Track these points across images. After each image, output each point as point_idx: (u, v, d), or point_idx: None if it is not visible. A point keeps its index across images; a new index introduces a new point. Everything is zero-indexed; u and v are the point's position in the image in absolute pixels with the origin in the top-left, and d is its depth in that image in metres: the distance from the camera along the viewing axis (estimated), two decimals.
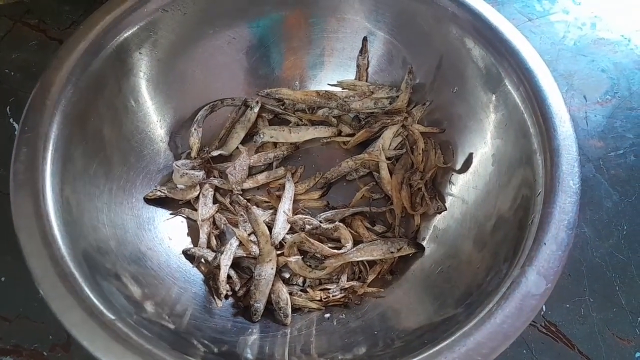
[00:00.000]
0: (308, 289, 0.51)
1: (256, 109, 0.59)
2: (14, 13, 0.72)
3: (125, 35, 0.49)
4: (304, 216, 0.53)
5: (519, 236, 0.41)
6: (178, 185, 0.54)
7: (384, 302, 0.50)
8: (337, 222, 0.52)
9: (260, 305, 0.48)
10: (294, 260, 0.51)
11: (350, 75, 0.61)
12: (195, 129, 0.57)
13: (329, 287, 0.51)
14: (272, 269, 0.50)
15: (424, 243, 0.53)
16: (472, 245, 0.47)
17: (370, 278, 0.52)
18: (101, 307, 0.36)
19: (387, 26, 0.55)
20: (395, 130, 0.58)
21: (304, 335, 0.48)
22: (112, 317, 0.36)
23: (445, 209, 0.54)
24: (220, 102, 0.59)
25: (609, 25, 0.75)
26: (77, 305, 0.36)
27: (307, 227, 0.52)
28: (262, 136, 0.58)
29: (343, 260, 0.51)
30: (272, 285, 0.50)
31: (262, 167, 0.58)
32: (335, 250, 0.51)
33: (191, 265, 0.52)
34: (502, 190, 0.47)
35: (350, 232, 0.53)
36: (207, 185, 0.55)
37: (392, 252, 0.51)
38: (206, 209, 0.54)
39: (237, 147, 0.59)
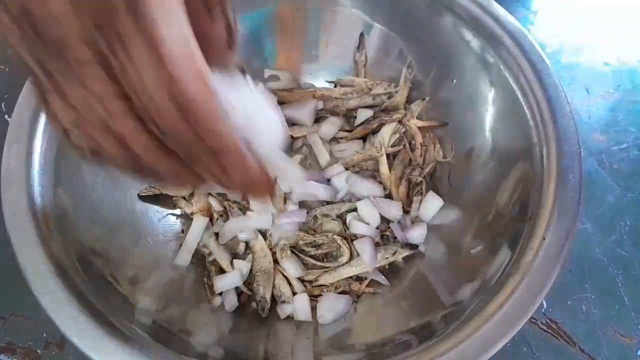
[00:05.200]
0: (306, 284, 0.51)
1: None
2: None
3: None
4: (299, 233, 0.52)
5: (518, 231, 0.40)
6: None
7: (381, 300, 0.50)
8: (335, 236, 0.51)
9: (266, 299, 0.48)
10: (287, 263, 0.50)
11: (346, 69, 0.60)
12: None
13: (325, 285, 0.50)
14: (269, 262, 0.50)
15: (422, 239, 0.52)
16: (471, 240, 0.47)
17: (369, 278, 0.51)
18: (92, 305, 0.36)
19: (383, 18, 0.54)
20: (394, 127, 0.57)
21: (302, 335, 0.47)
22: (103, 314, 0.36)
23: (443, 204, 0.53)
24: None
25: (613, 17, 0.73)
26: (68, 302, 0.35)
27: (300, 242, 0.51)
28: None
29: (339, 277, 0.50)
30: (273, 279, 0.50)
31: None
32: (328, 265, 0.50)
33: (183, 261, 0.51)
34: (501, 184, 0.46)
35: (346, 230, 0.52)
36: None
37: (386, 258, 0.50)
38: (201, 203, 0.53)
39: None
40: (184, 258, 0.50)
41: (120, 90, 0.20)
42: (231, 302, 0.49)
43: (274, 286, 0.49)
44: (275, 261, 0.51)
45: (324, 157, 0.56)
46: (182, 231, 0.54)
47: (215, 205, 0.53)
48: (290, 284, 0.50)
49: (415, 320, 0.43)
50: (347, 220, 0.52)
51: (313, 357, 0.44)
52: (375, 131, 0.58)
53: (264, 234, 0.52)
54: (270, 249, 0.51)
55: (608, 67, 0.69)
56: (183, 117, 0.20)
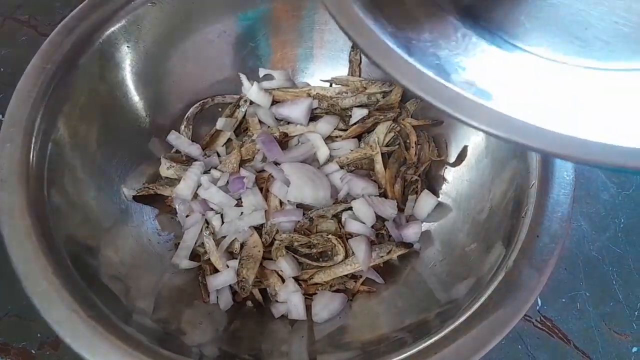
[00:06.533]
0: (301, 283, 0.51)
1: (244, 109, 0.58)
2: (5, 9, 0.71)
3: (113, 28, 0.48)
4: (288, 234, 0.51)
5: (512, 228, 0.40)
6: (164, 177, 0.53)
7: (376, 298, 0.50)
8: (329, 235, 0.51)
9: (247, 281, 0.47)
10: (283, 262, 0.50)
11: (341, 68, 0.60)
12: (185, 127, 0.56)
13: (320, 283, 0.50)
14: (259, 251, 0.50)
15: (417, 237, 0.52)
16: (466, 238, 0.47)
17: (364, 276, 0.51)
18: (86, 305, 0.36)
19: None
20: (389, 125, 0.57)
21: (297, 334, 0.47)
22: (97, 314, 0.36)
23: (438, 202, 0.53)
24: (211, 99, 0.58)
25: None
26: (61, 302, 0.35)
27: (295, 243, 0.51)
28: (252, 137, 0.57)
29: (334, 275, 0.50)
30: (268, 278, 0.50)
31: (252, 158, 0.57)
32: (324, 264, 0.50)
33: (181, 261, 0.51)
34: (495, 182, 0.46)
35: (341, 228, 0.52)
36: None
37: (381, 257, 0.50)
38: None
39: (230, 140, 0.58)
40: (182, 257, 0.50)
41: None
42: (226, 300, 0.49)
43: (268, 285, 0.49)
44: (267, 255, 0.51)
45: (323, 151, 0.56)
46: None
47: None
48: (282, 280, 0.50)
49: (410, 318, 0.43)
50: (343, 219, 0.52)
51: (308, 356, 0.44)
52: (370, 130, 0.58)
53: (260, 232, 0.52)
54: (264, 244, 0.51)
55: None
56: None
